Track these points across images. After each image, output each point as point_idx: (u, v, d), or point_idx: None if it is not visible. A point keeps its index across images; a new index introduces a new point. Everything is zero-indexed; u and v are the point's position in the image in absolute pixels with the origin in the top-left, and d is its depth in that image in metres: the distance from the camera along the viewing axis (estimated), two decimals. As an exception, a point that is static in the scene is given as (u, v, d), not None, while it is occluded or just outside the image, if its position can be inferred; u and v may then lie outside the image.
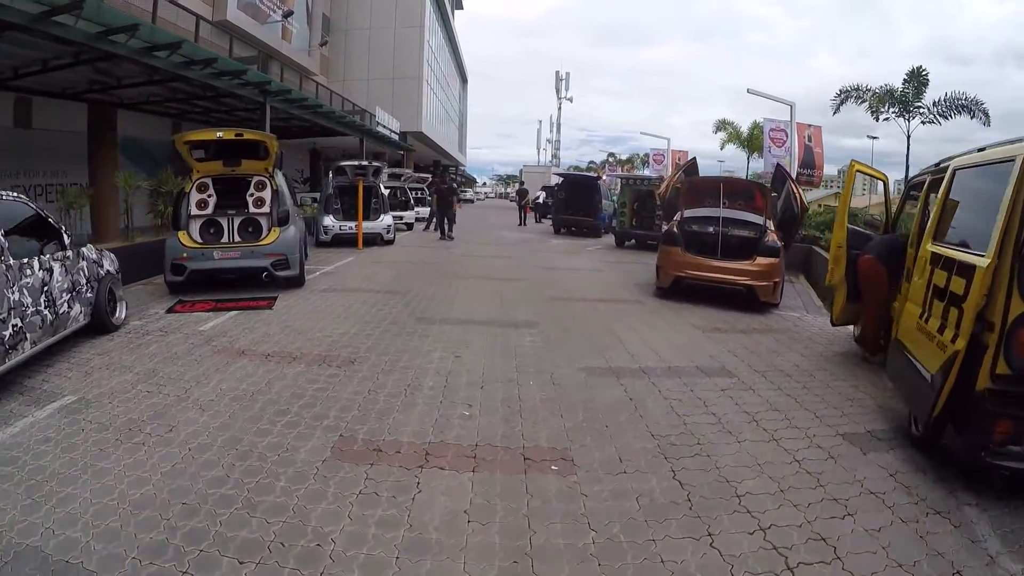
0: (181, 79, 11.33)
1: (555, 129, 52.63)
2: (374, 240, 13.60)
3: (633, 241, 16.26)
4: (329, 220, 13.27)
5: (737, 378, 4.79)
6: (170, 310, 6.70)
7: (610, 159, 46.86)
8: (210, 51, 12.31)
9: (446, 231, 16.24)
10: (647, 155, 30.25)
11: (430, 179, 23.90)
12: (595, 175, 23.47)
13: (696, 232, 8.20)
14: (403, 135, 33.45)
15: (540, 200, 26.36)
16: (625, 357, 5.28)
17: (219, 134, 7.57)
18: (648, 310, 7.55)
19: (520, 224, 23.35)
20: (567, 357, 5.19)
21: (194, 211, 7.93)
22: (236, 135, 7.59)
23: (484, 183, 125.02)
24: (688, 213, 8.44)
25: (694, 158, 11.60)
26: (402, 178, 20.26)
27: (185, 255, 7.46)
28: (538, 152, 68.73)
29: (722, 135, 30.39)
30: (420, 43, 35.67)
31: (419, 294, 7.95)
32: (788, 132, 16.49)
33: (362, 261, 11.09)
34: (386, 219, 13.66)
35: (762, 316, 7.53)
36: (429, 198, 23.66)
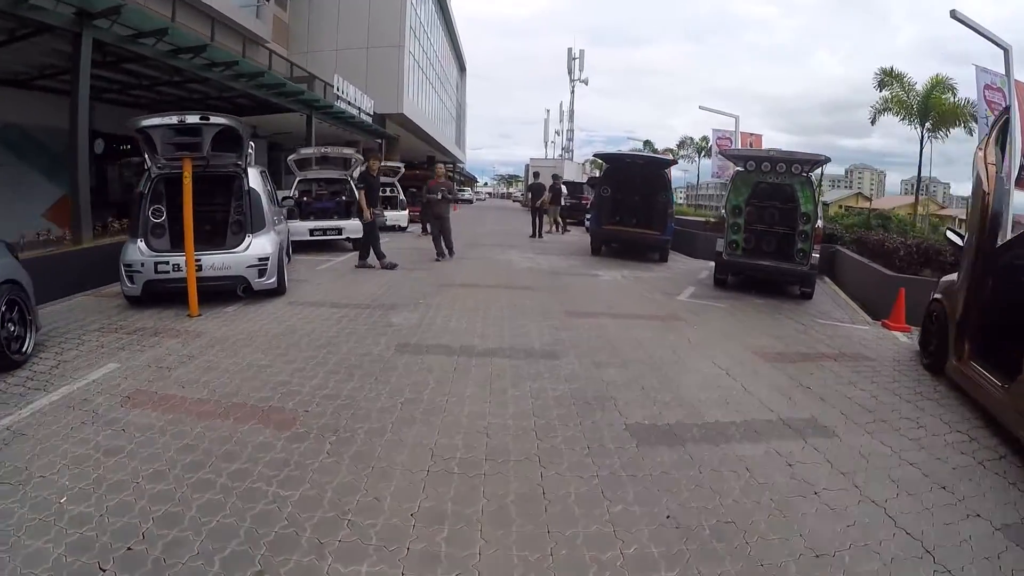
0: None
1: (567, 117, 44.79)
2: (235, 290, 6.34)
3: (727, 277, 8.95)
4: (137, 251, 6.02)
5: None
6: None
7: (642, 148, 38.88)
8: None
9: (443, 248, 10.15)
10: (704, 139, 22.30)
11: (402, 170, 16.49)
12: (666, 157, 15.39)
13: None
14: (380, 118, 26.19)
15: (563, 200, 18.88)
16: None
17: None
18: None
19: (534, 236, 16.04)
20: None
21: None
22: None
23: (485, 183, 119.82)
24: None
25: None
26: (350, 163, 12.64)
27: None
28: (545, 146, 60.89)
29: (882, 97, 19.41)
30: (402, 5, 28.32)
31: None
32: (1006, 93, 8.98)
33: (135, 392, 3.80)
34: (259, 245, 6.29)
35: None
36: (402, 197, 16.36)
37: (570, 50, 43.20)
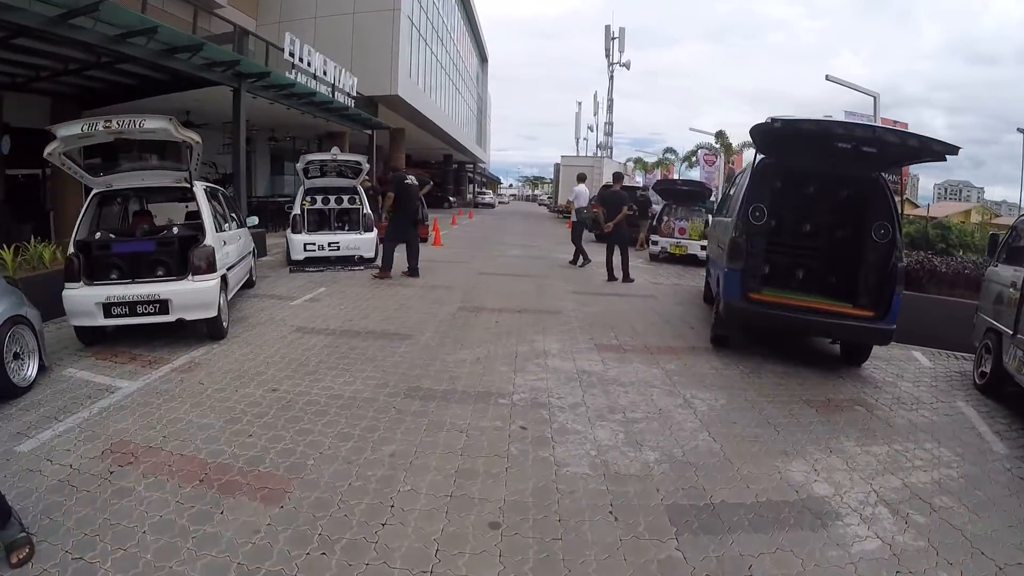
0: None
1: (605, 108, 38.09)
2: None
3: None
4: None
5: None
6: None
7: (715, 143, 30.25)
8: None
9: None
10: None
11: (364, 169, 10.32)
12: (911, 131, 6.17)
13: None
14: (370, 104, 20.33)
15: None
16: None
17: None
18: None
19: (575, 261, 9.81)
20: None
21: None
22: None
23: (510, 184, 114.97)
24: None
25: None
26: (185, 154, 5.21)
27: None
28: (577, 142, 54.23)
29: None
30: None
31: None
32: None
33: None
34: None
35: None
36: (367, 211, 10.10)
37: (608, 28, 36.70)
